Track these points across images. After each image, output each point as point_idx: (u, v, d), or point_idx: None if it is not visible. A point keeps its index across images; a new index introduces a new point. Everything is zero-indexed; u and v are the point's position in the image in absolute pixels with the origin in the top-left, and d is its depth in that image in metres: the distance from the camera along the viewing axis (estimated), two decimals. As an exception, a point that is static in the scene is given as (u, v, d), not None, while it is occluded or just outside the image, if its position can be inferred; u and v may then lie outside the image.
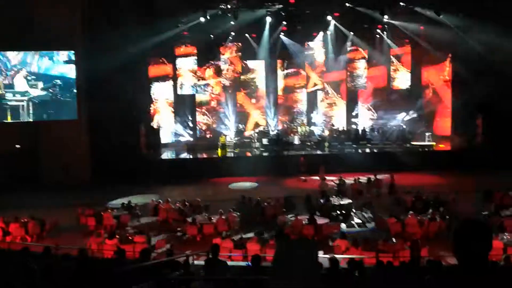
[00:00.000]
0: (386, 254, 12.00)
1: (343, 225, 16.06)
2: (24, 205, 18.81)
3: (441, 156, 26.18)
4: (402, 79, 30.91)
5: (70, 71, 24.09)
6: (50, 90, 24.04)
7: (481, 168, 22.64)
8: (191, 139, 29.89)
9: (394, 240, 13.17)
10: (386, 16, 27.70)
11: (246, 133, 29.80)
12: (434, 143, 27.86)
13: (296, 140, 28.15)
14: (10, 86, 23.71)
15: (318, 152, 27.25)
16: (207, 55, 30.24)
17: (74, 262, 9.38)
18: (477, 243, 2.66)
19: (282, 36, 29.72)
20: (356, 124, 30.64)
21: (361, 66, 30.97)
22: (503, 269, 8.69)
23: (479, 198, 18.02)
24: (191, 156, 27.42)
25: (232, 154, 27.40)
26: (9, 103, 23.70)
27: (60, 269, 9.14)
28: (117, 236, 13.93)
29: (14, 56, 23.82)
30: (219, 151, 27.50)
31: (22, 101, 23.74)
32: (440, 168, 24.16)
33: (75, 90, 24.27)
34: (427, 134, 28.37)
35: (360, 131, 29.19)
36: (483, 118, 26.44)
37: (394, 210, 16.73)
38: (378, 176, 20.44)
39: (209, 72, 30.68)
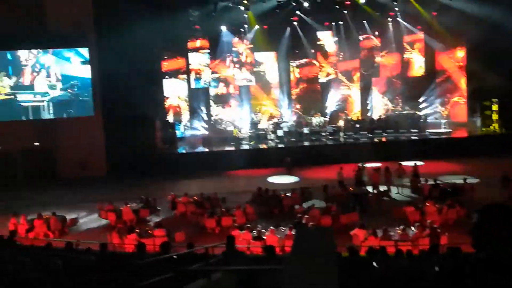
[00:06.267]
0: (405, 243, 11.99)
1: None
2: (44, 202, 19.15)
3: (457, 143, 25.88)
4: (416, 66, 30.58)
5: (86, 72, 24.46)
6: (69, 90, 24.50)
7: (497, 154, 22.44)
8: (207, 132, 30.02)
9: (413, 228, 13.13)
10: (397, 3, 27.58)
11: (261, 125, 29.77)
12: (450, 130, 27.59)
13: (311, 131, 28.11)
14: (30, 87, 24.23)
15: (333, 142, 27.20)
16: (219, 48, 30.24)
17: (95, 256, 9.56)
18: (501, 228, 2.41)
19: (294, 27, 29.56)
20: (371, 113, 30.44)
21: (374, 54, 30.70)
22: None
23: (497, 184, 17.79)
24: (207, 150, 27.55)
25: (247, 146, 27.47)
26: (29, 104, 24.17)
27: (82, 264, 9.33)
28: (137, 230, 14.10)
29: (32, 58, 24.19)
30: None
31: (42, 101, 24.25)
32: (456, 155, 23.93)
33: (91, 89, 24.56)
34: (442, 121, 28.11)
35: (375, 120, 29.02)
36: (499, 104, 26.13)
37: (412, 199, 16.67)
38: (395, 165, 20.30)
39: (222, 65, 30.70)
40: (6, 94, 24.00)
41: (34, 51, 24.25)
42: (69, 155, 24.54)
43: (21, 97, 24.26)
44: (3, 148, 23.88)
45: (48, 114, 24.52)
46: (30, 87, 24.31)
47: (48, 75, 24.38)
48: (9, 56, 24.10)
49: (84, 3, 24.19)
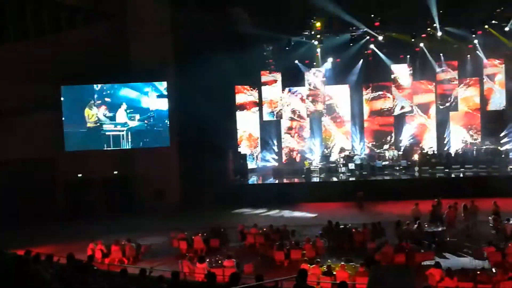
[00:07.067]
0: (485, 285, 11.31)
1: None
2: (121, 229, 19.89)
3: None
4: (496, 99, 29.26)
5: (162, 104, 25.64)
6: (145, 122, 25.73)
7: None
8: (277, 164, 30.19)
9: (493, 270, 12.37)
10: (476, 35, 26.86)
11: (332, 158, 29.56)
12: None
13: (384, 165, 27.52)
14: (113, 118, 25.76)
15: (408, 177, 26.42)
16: (292, 81, 30.63)
17: (168, 284, 9.78)
18: None
19: (367, 60, 29.41)
20: (448, 147, 29.35)
21: (451, 87, 29.77)
22: None
23: None
24: (277, 181, 27.64)
25: (318, 179, 27.27)
26: (111, 133, 25.68)
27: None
28: (207, 260, 14.28)
29: (115, 91, 25.83)
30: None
31: (122, 131, 25.64)
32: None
33: (167, 121, 25.59)
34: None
35: (452, 154, 27.93)
36: None
37: (493, 239, 15.76)
38: (475, 203, 19.27)
39: (294, 97, 30.99)
40: (94, 122, 25.57)
41: (117, 84, 25.73)
42: (146, 184, 25.47)
43: (105, 126, 25.72)
44: (84, 176, 25.22)
45: (126, 144, 25.76)
46: (112, 117, 25.73)
47: (128, 107, 25.71)
48: (95, 89, 25.69)
49: (165, 40, 25.42)
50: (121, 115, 25.78)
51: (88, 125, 25.55)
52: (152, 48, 24.86)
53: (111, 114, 25.75)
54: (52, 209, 24.23)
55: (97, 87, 25.66)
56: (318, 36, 27.87)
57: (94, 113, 25.60)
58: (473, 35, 27.12)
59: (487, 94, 29.39)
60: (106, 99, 25.74)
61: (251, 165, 29.57)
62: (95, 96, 25.69)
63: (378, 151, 29.51)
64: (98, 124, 25.62)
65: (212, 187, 24.62)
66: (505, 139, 28.18)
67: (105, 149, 25.66)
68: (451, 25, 26.39)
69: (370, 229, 17.34)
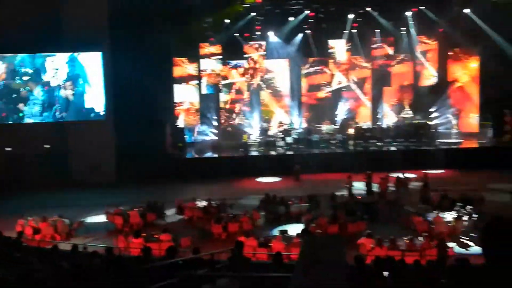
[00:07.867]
0: (412, 253, 11.89)
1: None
2: (53, 204, 19.23)
3: (468, 154, 25.70)
4: (428, 76, 30.46)
5: (99, 76, 24.63)
6: (78, 93, 24.70)
7: (509, 166, 22.22)
8: (216, 138, 30.05)
9: (420, 239, 13.01)
10: (411, 12, 27.63)
11: (270, 132, 29.75)
12: (461, 141, 27.40)
13: (320, 138, 28.07)
14: (43, 88, 24.63)
15: (343, 150, 27.14)
16: (231, 55, 30.34)
17: (102, 260, 9.57)
18: (507, 242, 2.43)
19: (306, 34, 29.60)
20: (381, 121, 30.30)
21: (386, 63, 30.60)
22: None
23: (508, 197, 17.63)
24: (215, 155, 27.57)
25: (256, 153, 27.45)
26: (42, 104, 24.56)
27: (88, 267, 9.34)
28: (143, 235, 14.10)
29: (49, 61, 24.60)
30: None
31: (54, 103, 24.59)
32: (467, 166, 23.72)
33: (103, 93, 24.74)
34: (453, 131, 27.93)
35: (385, 129, 28.89)
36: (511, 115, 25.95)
37: (421, 209, 16.55)
38: (406, 175, 20.17)
39: (233, 71, 30.77)
40: (24, 93, 24.33)
41: (51, 54, 24.55)
42: (81, 159, 24.63)
43: (35, 97, 24.55)
44: (15, 150, 24.04)
45: (58, 115, 24.78)
46: (43, 87, 24.62)
47: (62, 78, 24.66)
48: (23, 58, 24.40)
49: (99, 9, 24.32)
50: (55, 86, 24.71)
51: (17, 96, 24.30)
52: (86, 17, 23.68)
53: (41, 85, 24.60)
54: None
55: (27, 56, 24.37)
56: (258, 9, 27.76)
57: (24, 84, 24.35)
58: (408, 13, 27.93)
59: (419, 71, 30.48)
60: (36, 69, 24.53)
61: (189, 139, 29.27)
62: (25, 66, 24.41)
63: (315, 125, 30.00)
64: (28, 95, 24.43)
65: (149, 161, 24.18)
66: (435, 114, 29.45)
67: (36, 122, 24.53)
68: (387, 2, 26.99)
69: (306, 201, 17.75)
